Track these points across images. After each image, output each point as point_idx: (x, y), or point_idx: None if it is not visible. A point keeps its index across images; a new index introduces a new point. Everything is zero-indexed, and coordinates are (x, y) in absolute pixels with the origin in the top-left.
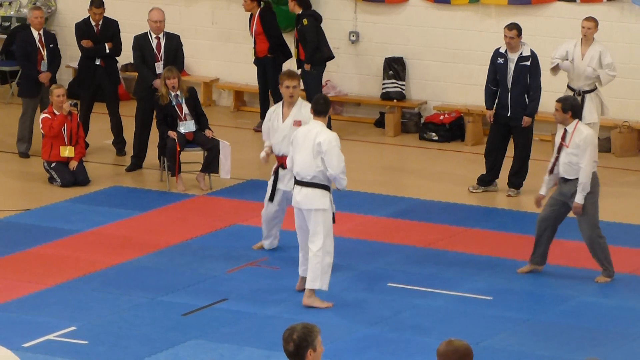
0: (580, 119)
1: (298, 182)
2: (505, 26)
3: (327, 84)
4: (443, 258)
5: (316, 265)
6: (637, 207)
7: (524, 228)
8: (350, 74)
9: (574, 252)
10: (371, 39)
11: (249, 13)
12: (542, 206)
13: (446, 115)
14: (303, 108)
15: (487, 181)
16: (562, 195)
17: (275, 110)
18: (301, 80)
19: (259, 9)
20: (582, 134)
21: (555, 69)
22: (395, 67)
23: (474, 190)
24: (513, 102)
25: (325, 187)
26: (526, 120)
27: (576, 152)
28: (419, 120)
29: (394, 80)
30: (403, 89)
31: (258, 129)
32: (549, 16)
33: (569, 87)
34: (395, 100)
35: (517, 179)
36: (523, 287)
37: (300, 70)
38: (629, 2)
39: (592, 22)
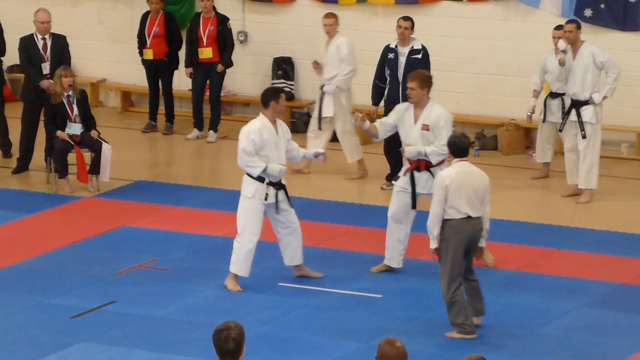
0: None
1: None
2: (401, 17)
3: None
4: (333, 257)
5: (235, 251)
6: (522, 204)
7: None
8: (240, 74)
9: None
10: (260, 38)
11: (137, 13)
12: None
13: None
14: (433, 111)
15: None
16: None
17: (407, 109)
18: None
19: (163, 12)
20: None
21: None
22: (284, 67)
23: (387, 187)
24: (404, 95)
25: (250, 175)
26: None
27: None
28: (308, 120)
29: (283, 80)
30: (292, 89)
31: (146, 130)
32: (435, 15)
33: None
34: None
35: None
36: (412, 285)
37: (190, 69)
38: (515, 1)
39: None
